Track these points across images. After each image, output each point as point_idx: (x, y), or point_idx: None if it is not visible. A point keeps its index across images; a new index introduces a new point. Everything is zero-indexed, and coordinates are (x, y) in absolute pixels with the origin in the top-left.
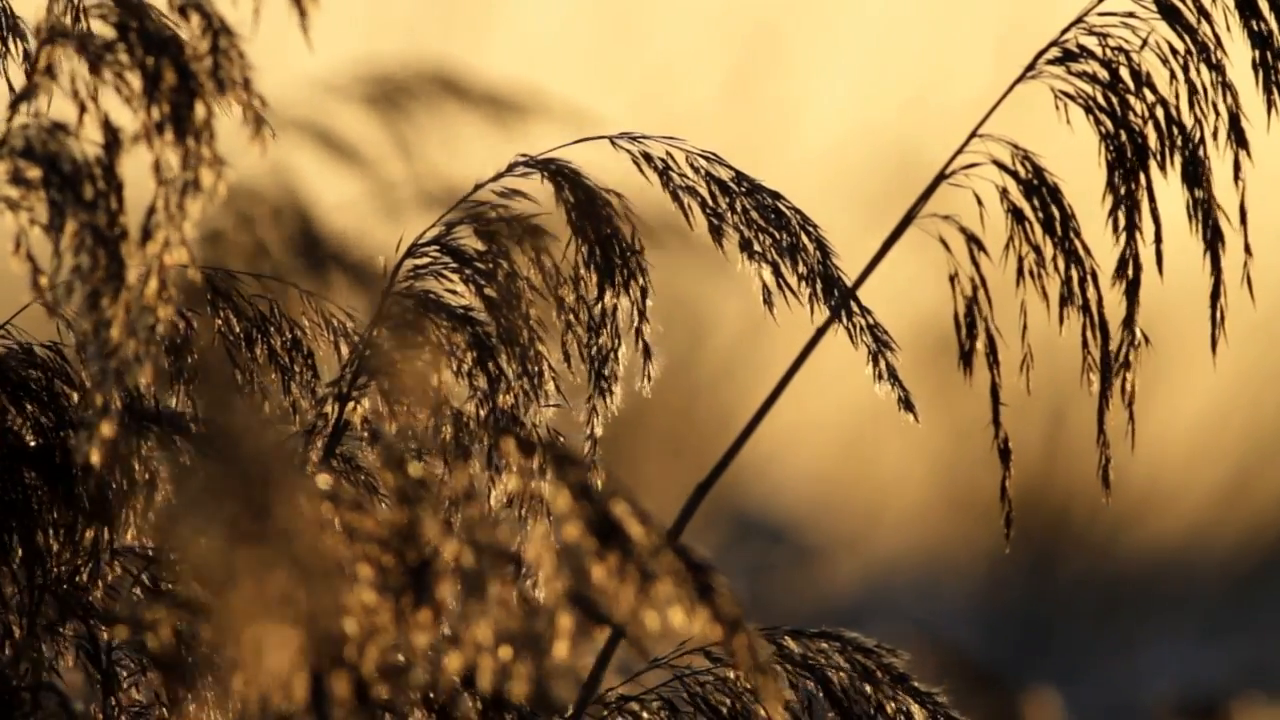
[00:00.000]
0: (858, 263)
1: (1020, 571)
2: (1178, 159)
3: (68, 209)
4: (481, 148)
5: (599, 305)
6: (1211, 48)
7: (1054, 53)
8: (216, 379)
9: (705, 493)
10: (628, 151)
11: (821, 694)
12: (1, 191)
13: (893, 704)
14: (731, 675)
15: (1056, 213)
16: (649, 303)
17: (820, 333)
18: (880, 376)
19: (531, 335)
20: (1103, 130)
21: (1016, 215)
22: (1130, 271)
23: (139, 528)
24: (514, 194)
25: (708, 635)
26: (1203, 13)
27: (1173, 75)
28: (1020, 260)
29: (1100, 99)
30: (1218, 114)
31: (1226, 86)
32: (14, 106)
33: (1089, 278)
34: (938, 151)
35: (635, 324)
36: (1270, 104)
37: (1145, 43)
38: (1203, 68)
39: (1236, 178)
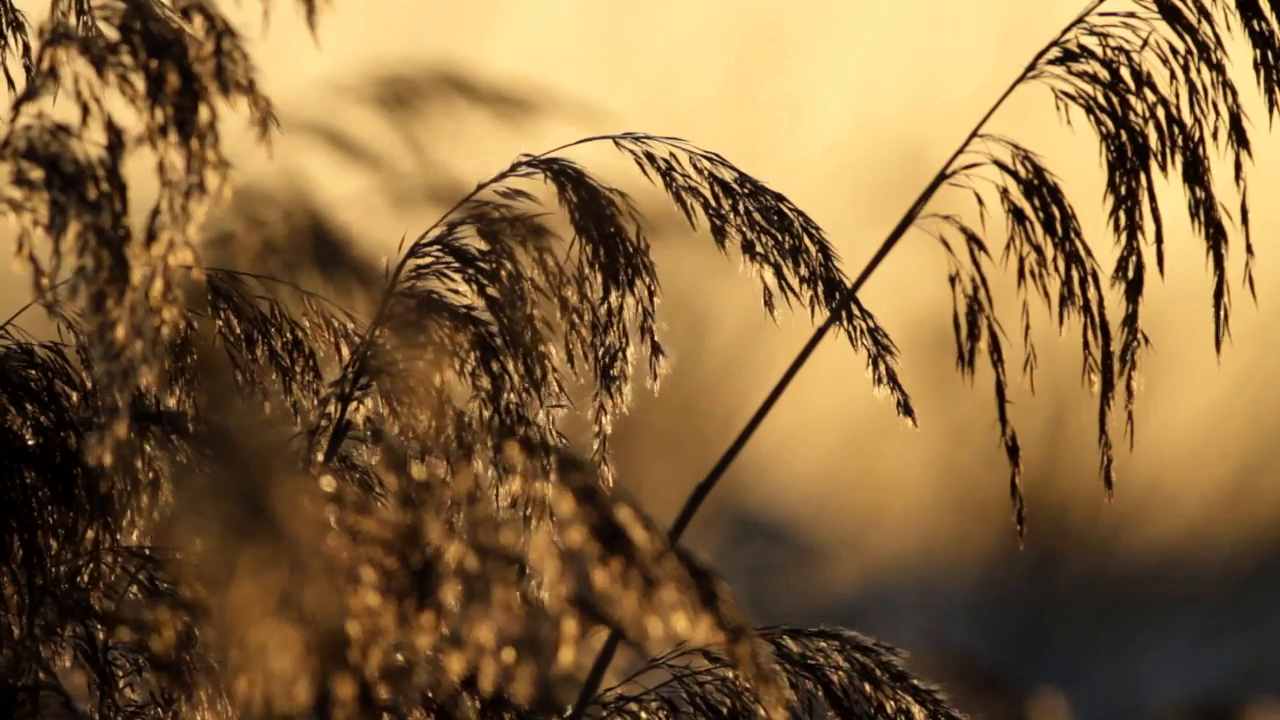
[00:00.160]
0: (858, 262)
1: (1021, 572)
2: (1178, 159)
3: (70, 210)
4: (492, 146)
5: (604, 305)
6: (1212, 47)
7: (1055, 53)
8: (217, 379)
9: (705, 493)
10: (631, 152)
11: (821, 693)
12: (4, 193)
13: (892, 703)
14: (731, 675)
15: (1057, 213)
16: (656, 301)
17: (820, 334)
18: (880, 380)
19: (535, 335)
20: (1103, 130)
21: (1017, 215)
22: (1131, 271)
23: (141, 528)
24: (517, 194)
25: (711, 641)
26: (1203, 12)
27: (1173, 75)
28: (1021, 260)
29: (1101, 99)
30: (1218, 114)
31: (1227, 86)
32: (17, 107)
33: (1090, 278)
34: (939, 151)
35: (643, 322)
36: (1271, 103)
37: (1146, 43)
38: (1203, 67)
39: (1238, 177)
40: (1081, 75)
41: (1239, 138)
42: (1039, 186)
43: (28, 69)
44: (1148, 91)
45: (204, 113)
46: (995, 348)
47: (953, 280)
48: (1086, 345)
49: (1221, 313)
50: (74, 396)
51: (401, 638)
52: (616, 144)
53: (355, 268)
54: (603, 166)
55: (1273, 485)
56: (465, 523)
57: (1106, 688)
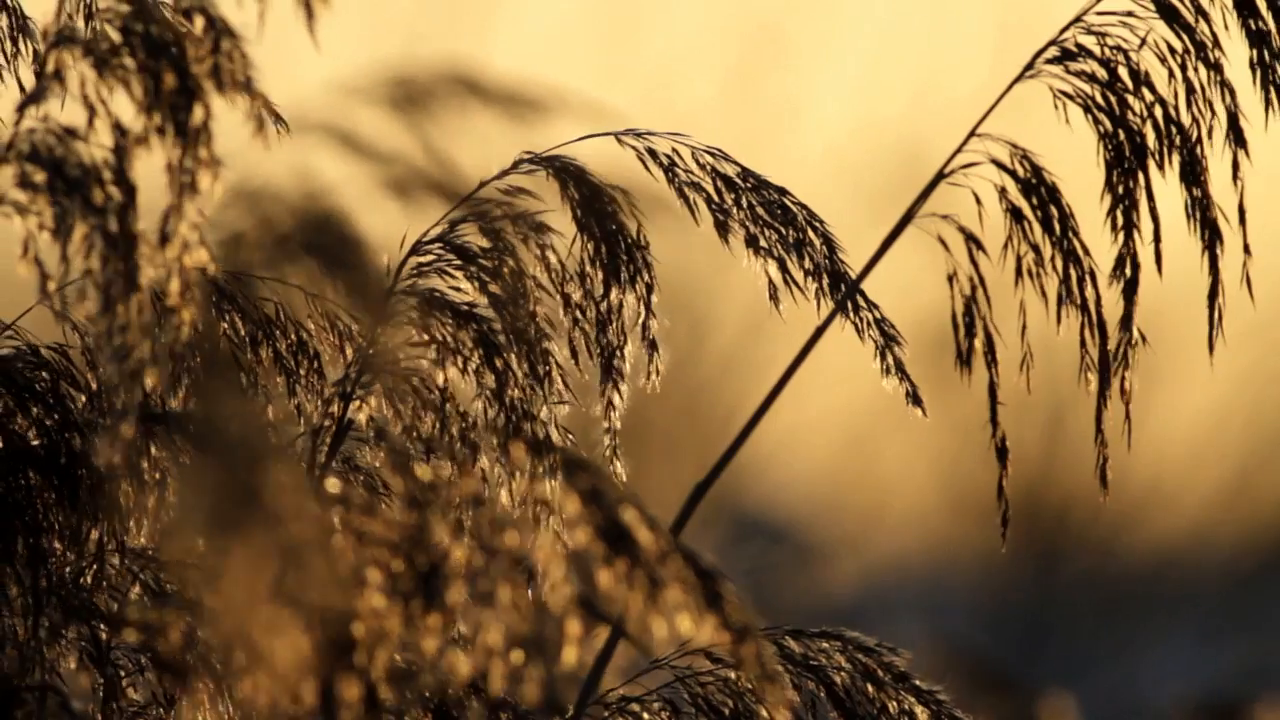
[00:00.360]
0: (857, 262)
1: (1021, 572)
2: (1176, 158)
3: (74, 213)
4: (500, 145)
5: (605, 302)
6: (1209, 47)
7: (1052, 52)
8: (221, 381)
9: (704, 492)
10: (633, 148)
11: (823, 694)
12: (9, 196)
13: (895, 704)
14: (733, 675)
15: (1055, 212)
16: (654, 298)
17: (824, 325)
18: (888, 371)
19: (538, 332)
20: (1101, 129)
21: (1015, 214)
22: (1128, 271)
23: (146, 529)
24: (519, 191)
25: (716, 642)
26: (1200, 12)
27: (1171, 74)
28: (1019, 259)
29: (1099, 98)
30: (1215, 113)
31: (1225, 85)
32: (21, 110)
33: (1087, 277)
34: (937, 150)
35: (641, 319)
36: (1268, 102)
37: (1144, 42)
38: (1201, 67)
39: (1235, 177)
40: (1079, 74)
41: (1237, 137)
42: (1037, 186)
43: (37, 74)
44: (1145, 91)
45: (198, 112)
46: (990, 348)
47: (951, 279)
48: (1084, 344)
49: (1215, 313)
50: (79, 398)
51: (408, 638)
52: (619, 140)
53: (359, 266)
54: (605, 164)
55: (1273, 485)
56: (471, 523)
57: (1107, 687)
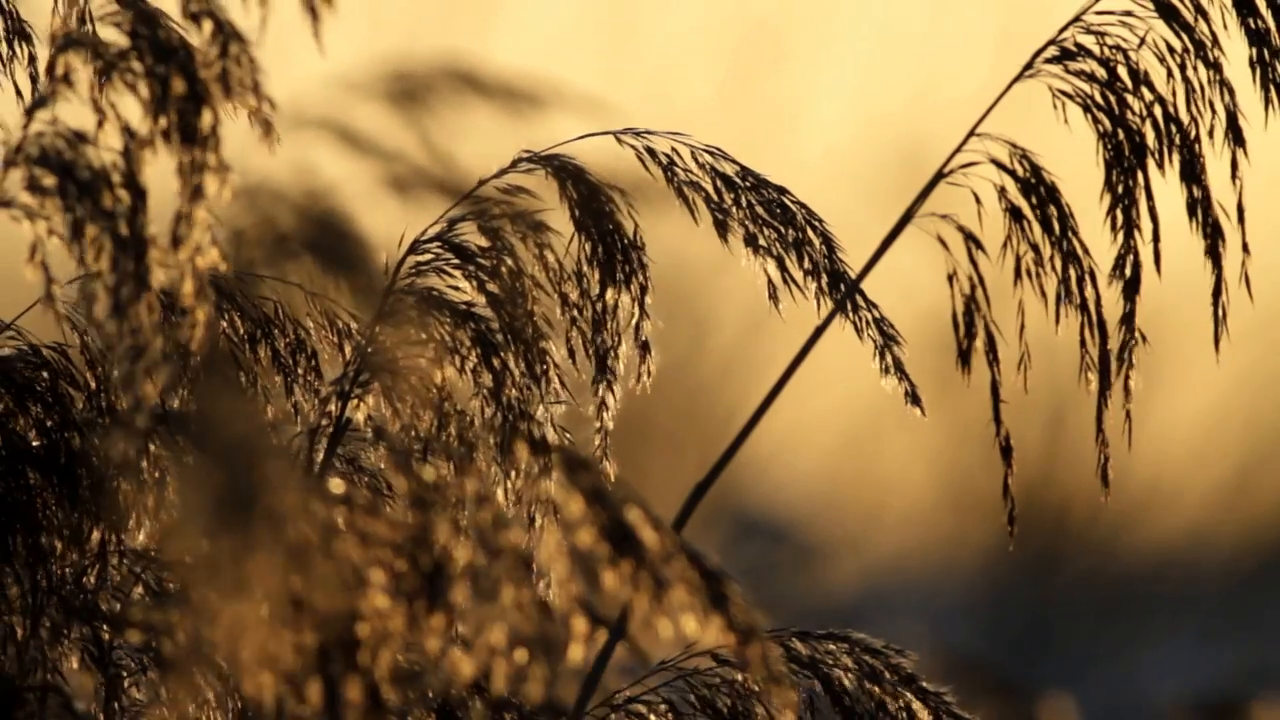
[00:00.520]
0: (857, 262)
1: (1022, 571)
2: (1175, 157)
3: (84, 217)
4: (499, 141)
5: (600, 302)
6: (1209, 46)
7: (1052, 51)
8: (221, 380)
9: (704, 492)
10: (632, 147)
11: (828, 697)
12: (18, 199)
13: (900, 704)
14: (740, 677)
15: (1054, 211)
16: (648, 299)
17: (824, 325)
18: (887, 370)
19: (535, 331)
20: (1100, 129)
21: (1014, 214)
22: (1128, 270)
23: (146, 529)
24: (517, 190)
25: (721, 643)
26: (1200, 11)
27: (1170, 73)
28: (1018, 259)
29: (1098, 97)
30: (1214, 112)
31: (1224, 85)
32: (30, 113)
33: (1087, 276)
34: (937, 150)
35: (635, 320)
36: (1268, 100)
37: (1143, 41)
38: (1200, 66)
39: (1234, 176)
40: (1079, 74)
41: (1235, 136)
42: (1036, 185)
43: (33, 78)
44: (1145, 90)
45: (206, 117)
46: (991, 347)
47: (950, 279)
48: (1084, 344)
49: (1220, 311)
50: (79, 398)
51: (411, 638)
52: (618, 139)
53: (358, 264)
54: (604, 163)
55: (1273, 485)
56: (474, 523)
57: (1107, 687)
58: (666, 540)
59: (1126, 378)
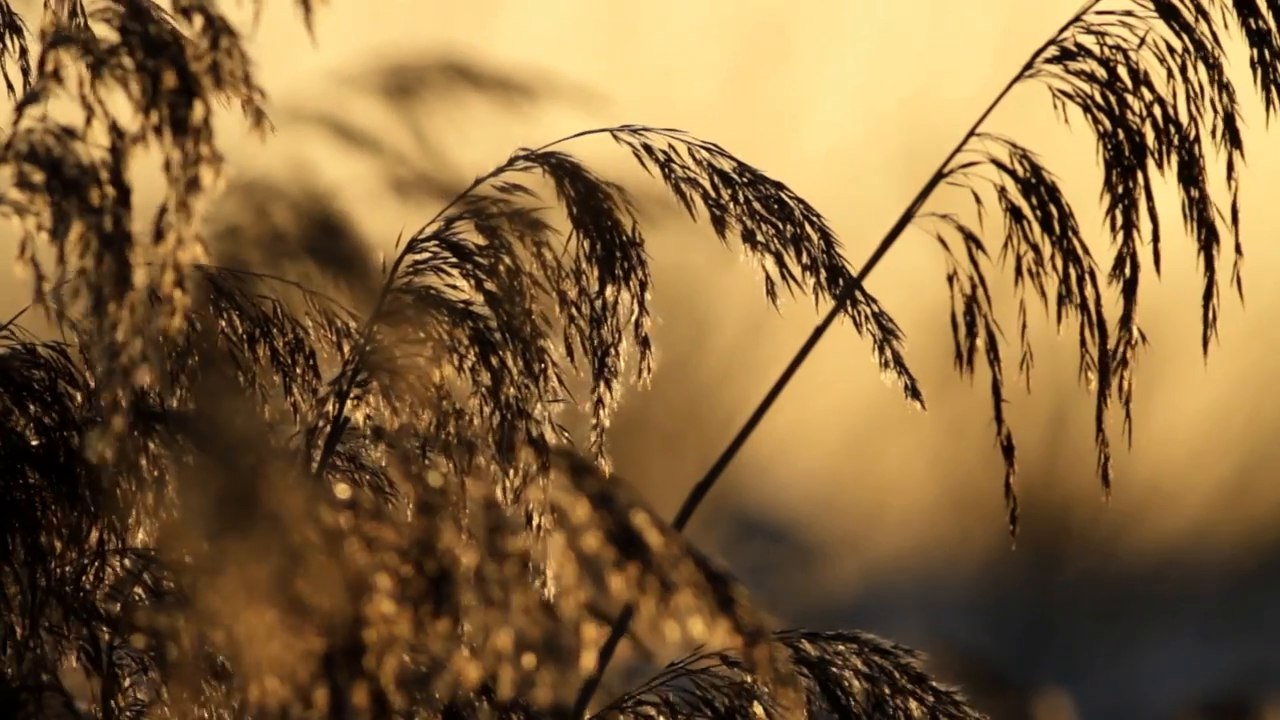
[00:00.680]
0: (856, 262)
1: (1022, 571)
2: (1174, 158)
3: (72, 213)
4: (495, 135)
5: (599, 299)
6: (1209, 46)
7: (1052, 51)
8: (219, 378)
9: (703, 493)
10: (629, 144)
11: (839, 697)
12: (7, 196)
13: (906, 704)
14: (747, 678)
15: (1054, 211)
16: (648, 296)
17: (825, 324)
18: (886, 364)
19: (534, 329)
20: (1100, 129)
21: (1015, 214)
22: (1127, 270)
23: (145, 528)
24: (514, 188)
25: (728, 645)
26: (1200, 11)
27: (1170, 74)
28: (1018, 259)
29: (1098, 97)
30: (1215, 112)
31: (1223, 85)
32: (20, 110)
33: (1087, 276)
34: (938, 150)
35: (635, 316)
36: (1269, 102)
37: (1143, 41)
38: (1200, 66)
39: (1230, 177)
40: (1079, 74)
41: (1232, 137)
42: (1036, 185)
43: (24, 71)
44: (1145, 90)
45: (199, 110)
46: (992, 347)
47: (951, 279)
48: (1084, 344)
49: (1210, 313)
50: (78, 397)
51: (416, 642)
52: (614, 137)
53: (355, 263)
54: (601, 160)
55: (1273, 485)
56: (472, 523)
57: (1108, 687)
58: (673, 543)
59: (1126, 377)
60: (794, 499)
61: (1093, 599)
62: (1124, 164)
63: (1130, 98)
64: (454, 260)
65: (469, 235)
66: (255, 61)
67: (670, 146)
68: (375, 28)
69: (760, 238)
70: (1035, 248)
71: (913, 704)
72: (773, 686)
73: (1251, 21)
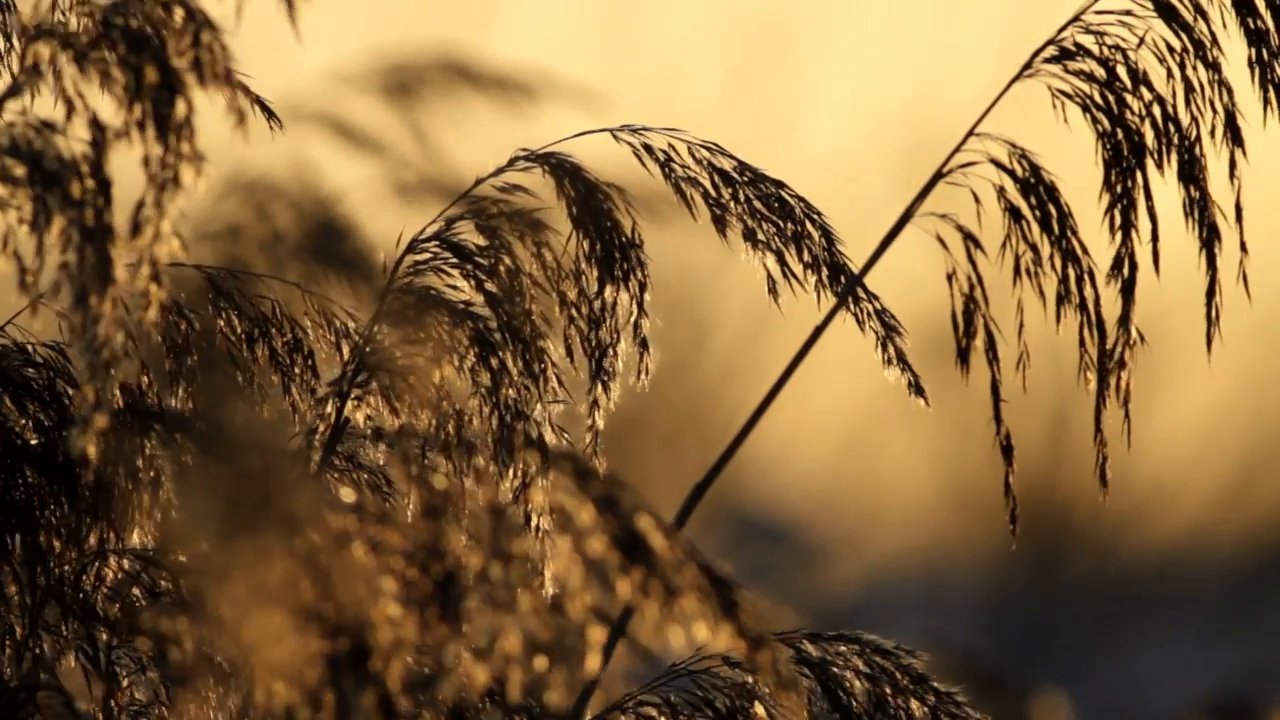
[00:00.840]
0: (859, 259)
1: (1023, 572)
2: (1174, 157)
3: (53, 207)
4: (495, 135)
5: (599, 300)
6: (1208, 45)
7: (1051, 51)
8: (218, 378)
9: (703, 493)
10: (629, 144)
11: (842, 698)
12: None
13: (916, 704)
14: (749, 680)
15: (1054, 211)
16: (647, 297)
17: (825, 323)
18: (889, 361)
19: (534, 330)
20: (1099, 129)
21: (1014, 214)
22: (1126, 270)
23: (144, 528)
24: (514, 189)
25: (732, 649)
26: (1199, 11)
27: (1169, 73)
28: (1017, 259)
29: (1097, 97)
30: (1215, 112)
31: (1223, 84)
32: (0, 103)
33: (1086, 276)
34: (937, 149)
35: (634, 317)
36: (1267, 101)
37: (1142, 41)
38: (1199, 65)
39: (1232, 176)
40: (1078, 74)
41: (1234, 136)
42: (1035, 185)
43: (12, 70)
44: (1144, 90)
45: (180, 107)
46: (991, 346)
47: (950, 279)
48: (1083, 344)
49: (1213, 312)
50: (75, 395)
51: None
52: (614, 136)
53: (355, 263)
54: (601, 160)
55: (1273, 485)
56: (476, 525)
57: (1108, 687)
58: (677, 548)
59: (1124, 378)
60: (794, 499)
61: (1093, 599)
62: (1123, 164)
63: (1129, 97)
64: (454, 261)
65: (469, 236)
66: (237, 58)
67: (670, 146)
68: (375, 27)
69: (761, 236)
70: (1034, 247)
71: (914, 704)
72: (775, 691)
73: (1250, 21)
